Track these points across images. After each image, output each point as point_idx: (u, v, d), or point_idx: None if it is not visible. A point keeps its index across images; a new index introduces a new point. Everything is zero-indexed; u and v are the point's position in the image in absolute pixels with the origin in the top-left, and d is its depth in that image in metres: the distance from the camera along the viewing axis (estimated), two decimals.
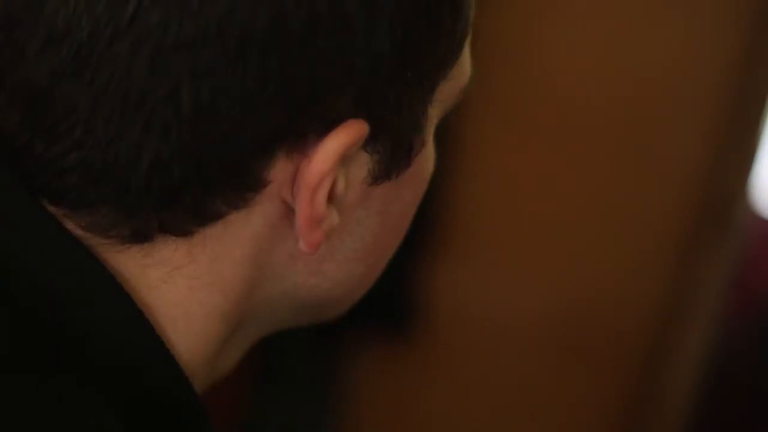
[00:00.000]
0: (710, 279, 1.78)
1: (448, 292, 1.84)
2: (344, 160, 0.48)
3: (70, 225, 0.48)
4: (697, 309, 1.78)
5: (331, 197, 0.49)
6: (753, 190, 1.88)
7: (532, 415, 1.87)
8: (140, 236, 0.48)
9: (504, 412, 1.87)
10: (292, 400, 1.81)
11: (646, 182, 1.78)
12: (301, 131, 0.47)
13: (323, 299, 0.54)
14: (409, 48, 0.48)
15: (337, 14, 0.45)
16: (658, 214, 1.78)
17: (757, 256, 2.64)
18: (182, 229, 0.48)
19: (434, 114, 0.52)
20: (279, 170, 0.47)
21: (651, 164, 1.77)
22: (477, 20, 0.53)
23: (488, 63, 1.59)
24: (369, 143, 0.49)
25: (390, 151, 0.50)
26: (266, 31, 0.44)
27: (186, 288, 0.49)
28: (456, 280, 1.84)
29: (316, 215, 0.48)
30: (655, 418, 1.81)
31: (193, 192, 0.46)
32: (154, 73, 0.44)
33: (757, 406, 2.34)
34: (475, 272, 1.83)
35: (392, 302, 1.73)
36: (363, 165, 0.50)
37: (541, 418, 1.87)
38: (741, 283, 2.46)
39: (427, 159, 0.54)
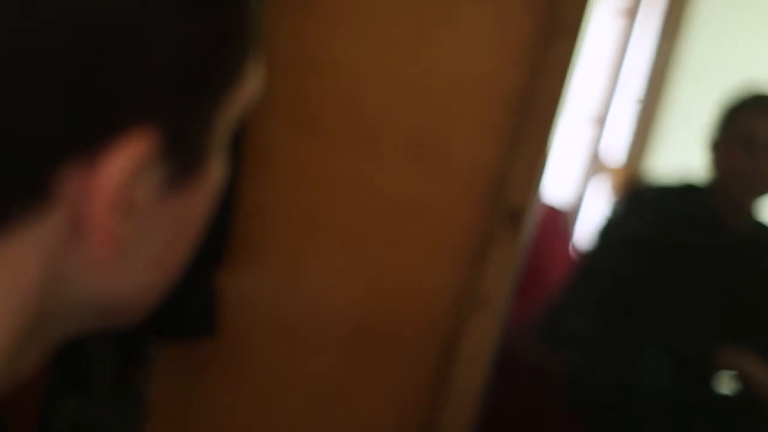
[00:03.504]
0: (502, 270, 1.83)
1: (244, 297, 1.83)
2: (135, 171, 0.49)
3: None
4: (490, 298, 1.84)
5: (123, 207, 0.49)
6: (544, 185, 1.95)
7: (335, 408, 1.89)
8: None
9: (308, 409, 1.88)
10: (91, 406, 1.77)
11: (440, 182, 1.81)
12: (92, 143, 0.47)
13: (118, 306, 0.55)
14: (196, 61, 0.49)
15: (123, 29, 0.46)
16: (452, 212, 1.82)
17: (545, 243, 2.78)
18: None
19: (224, 124, 0.54)
20: (72, 181, 0.48)
21: (444, 164, 1.81)
22: (269, 26, 0.55)
23: (278, 69, 1.59)
24: (160, 155, 0.50)
25: (180, 162, 0.51)
26: (52, 45, 0.45)
27: None
28: (252, 285, 1.82)
29: (109, 225, 0.49)
30: (450, 400, 1.87)
31: None
32: None
33: (544, 384, 2.46)
34: (272, 275, 1.82)
35: (188, 309, 1.71)
36: (154, 176, 0.51)
37: (344, 409, 1.89)
38: (532, 271, 2.58)
39: (217, 168, 0.55)
